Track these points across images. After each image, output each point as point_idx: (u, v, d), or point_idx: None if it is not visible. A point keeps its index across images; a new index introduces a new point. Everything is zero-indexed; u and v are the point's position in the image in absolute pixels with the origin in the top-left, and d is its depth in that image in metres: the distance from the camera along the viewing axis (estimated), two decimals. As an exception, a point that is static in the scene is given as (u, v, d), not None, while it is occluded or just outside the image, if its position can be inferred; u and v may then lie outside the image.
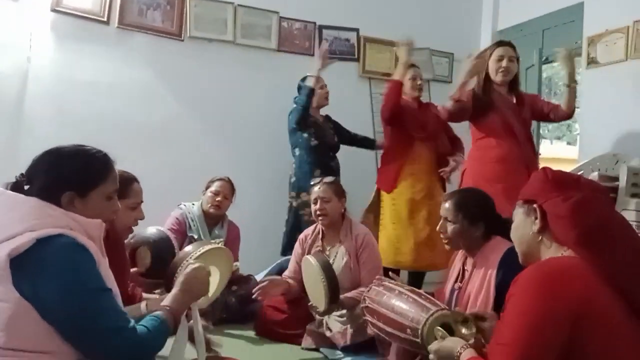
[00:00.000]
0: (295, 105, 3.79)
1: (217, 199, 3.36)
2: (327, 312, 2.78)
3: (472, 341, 1.54)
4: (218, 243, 3.04)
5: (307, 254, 2.98)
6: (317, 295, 2.77)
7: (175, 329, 1.45)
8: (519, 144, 3.19)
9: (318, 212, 3.03)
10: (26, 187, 1.35)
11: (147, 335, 1.31)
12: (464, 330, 1.67)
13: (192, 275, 1.52)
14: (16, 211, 1.29)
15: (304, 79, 3.79)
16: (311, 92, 3.70)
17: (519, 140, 3.20)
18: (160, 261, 2.56)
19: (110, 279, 1.36)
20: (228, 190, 3.41)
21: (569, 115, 3.27)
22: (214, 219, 3.41)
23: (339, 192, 3.08)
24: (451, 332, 1.67)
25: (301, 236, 3.24)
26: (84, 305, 1.24)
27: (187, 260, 2.14)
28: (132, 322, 1.31)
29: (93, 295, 1.26)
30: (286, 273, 3.20)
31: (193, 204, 3.41)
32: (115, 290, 1.37)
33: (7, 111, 3.57)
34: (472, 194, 2.35)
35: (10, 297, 1.21)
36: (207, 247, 2.22)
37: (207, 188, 3.42)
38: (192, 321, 1.61)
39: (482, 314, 1.79)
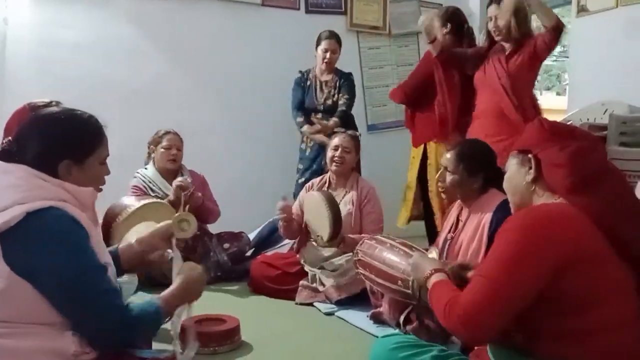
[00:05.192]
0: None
1: (171, 153, 3.29)
2: (332, 239, 2.84)
3: None
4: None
5: None
6: (320, 224, 2.86)
7: (168, 320, 1.44)
8: None
9: (336, 159, 3.09)
10: (16, 154, 1.30)
11: (138, 319, 1.30)
12: None
13: (192, 277, 1.49)
14: (5, 181, 1.25)
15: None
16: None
17: None
18: None
19: (103, 251, 1.35)
20: (178, 141, 3.34)
21: None
22: (173, 173, 3.32)
23: (358, 148, 3.19)
24: None
25: (308, 184, 3.30)
26: (76, 282, 1.23)
27: (125, 211, 2.10)
28: (124, 302, 1.30)
29: (85, 273, 1.24)
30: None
31: (145, 168, 3.32)
32: (109, 261, 1.36)
33: (-13, 74, 3.49)
34: (476, 146, 2.36)
35: (1, 271, 1.20)
36: (144, 202, 2.20)
37: (156, 145, 3.32)
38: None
39: (467, 263, 1.83)
